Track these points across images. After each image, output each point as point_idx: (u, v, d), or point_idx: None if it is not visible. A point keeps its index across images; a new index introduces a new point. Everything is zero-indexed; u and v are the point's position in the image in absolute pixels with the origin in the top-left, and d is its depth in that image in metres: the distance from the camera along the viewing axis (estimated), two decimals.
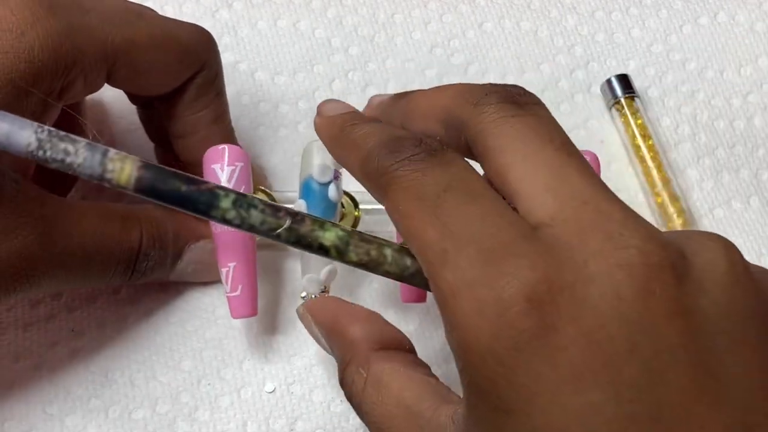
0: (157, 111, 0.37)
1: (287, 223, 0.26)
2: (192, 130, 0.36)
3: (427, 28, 0.45)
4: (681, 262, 0.22)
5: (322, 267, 0.34)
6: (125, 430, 0.36)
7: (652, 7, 0.46)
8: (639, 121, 0.42)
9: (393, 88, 0.43)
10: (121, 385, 0.37)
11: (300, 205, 0.35)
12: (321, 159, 0.35)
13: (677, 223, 0.40)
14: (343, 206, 0.38)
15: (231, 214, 0.26)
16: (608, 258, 0.22)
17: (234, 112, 0.39)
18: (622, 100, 0.43)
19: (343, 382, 0.29)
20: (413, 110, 0.29)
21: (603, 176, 0.36)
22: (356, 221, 0.39)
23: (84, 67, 0.31)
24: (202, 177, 0.34)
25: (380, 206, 0.26)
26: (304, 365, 0.37)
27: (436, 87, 0.29)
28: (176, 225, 0.36)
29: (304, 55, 0.44)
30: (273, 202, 0.26)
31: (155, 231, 0.35)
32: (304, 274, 0.35)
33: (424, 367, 0.28)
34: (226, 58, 0.42)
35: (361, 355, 0.28)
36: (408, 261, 0.27)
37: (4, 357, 0.37)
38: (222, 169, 0.34)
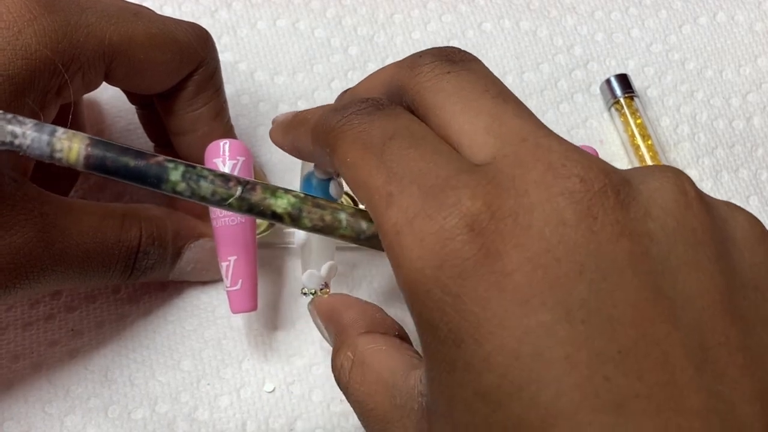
0: (156, 110, 0.37)
1: (238, 192, 0.26)
2: (191, 127, 0.36)
3: (426, 28, 0.45)
4: (625, 189, 0.22)
5: (322, 263, 0.34)
6: (125, 429, 0.36)
7: (651, 7, 0.46)
8: (638, 121, 0.42)
9: None
10: (121, 385, 0.37)
11: None
12: None
13: None
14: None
15: (181, 187, 0.26)
16: (550, 187, 0.22)
17: (233, 111, 0.39)
18: (622, 99, 0.43)
19: (334, 367, 0.29)
20: (358, 91, 0.30)
21: None
22: None
23: (82, 64, 0.31)
24: None
25: None
26: (304, 365, 0.37)
27: (377, 69, 0.29)
28: (176, 224, 0.36)
29: (304, 55, 0.44)
30: (224, 172, 0.26)
31: (155, 229, 0.35)
32: (305, 270, 0.35)
33: (409, 345, 0.29)
34: (225, 57, 0.42)
35: (349, 339, 0.28)
36: (364, 225, 0.27)
37: (3, 356, 0.37)
38: (224, 163, 0.34)
